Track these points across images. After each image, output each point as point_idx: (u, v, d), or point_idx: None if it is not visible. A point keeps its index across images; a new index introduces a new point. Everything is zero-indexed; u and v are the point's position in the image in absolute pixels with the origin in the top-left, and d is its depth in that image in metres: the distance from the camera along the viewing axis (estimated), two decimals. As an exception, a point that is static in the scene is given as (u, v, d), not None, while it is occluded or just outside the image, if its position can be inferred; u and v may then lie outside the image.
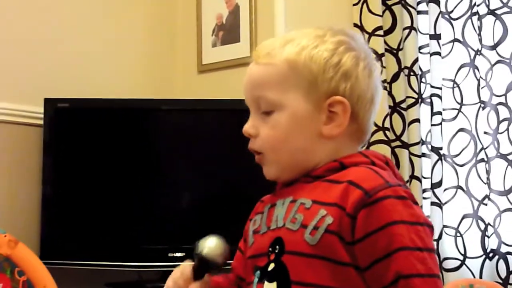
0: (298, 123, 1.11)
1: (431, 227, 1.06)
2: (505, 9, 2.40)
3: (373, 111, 1.16)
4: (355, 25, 2.61)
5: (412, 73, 2.53)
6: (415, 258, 0.99)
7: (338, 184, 1.06)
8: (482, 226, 2.36)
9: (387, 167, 1.12)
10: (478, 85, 2.41)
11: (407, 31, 2.55)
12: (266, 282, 1.08)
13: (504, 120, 2.38)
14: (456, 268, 2.37)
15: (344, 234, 1.02)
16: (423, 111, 2.55)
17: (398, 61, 2.57)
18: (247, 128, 1.15)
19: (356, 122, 1.13)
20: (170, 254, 2.64)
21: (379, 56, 2.50)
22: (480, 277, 2.34)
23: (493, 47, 2.41)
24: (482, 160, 2.38)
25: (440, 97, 2.49)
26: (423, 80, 2.56)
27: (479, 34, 2.41)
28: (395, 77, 2.56)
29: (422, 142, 2.53)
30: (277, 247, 1.08)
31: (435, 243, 2.32)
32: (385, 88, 2.46)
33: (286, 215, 1.10)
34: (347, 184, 1.05)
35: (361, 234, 1.01)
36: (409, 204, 1.04)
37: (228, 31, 3.13)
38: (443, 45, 2.49)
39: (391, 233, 1.00)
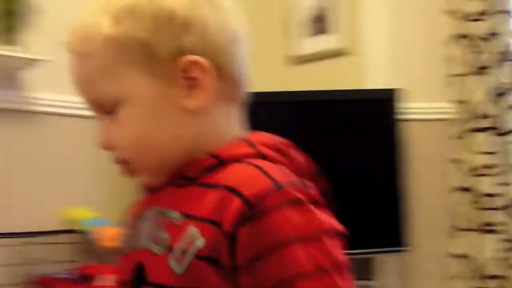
0: (151, 110, 0.83)
1: (340, 233, 0.79)
2: None
3: (240, 57, 0.89)
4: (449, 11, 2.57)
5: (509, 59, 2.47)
6: (320, 286, 0.74)
7: (213, 190, 0.79)
8: None
9: (281, 156, 0.84)
10: None
11: (503, 15, 2.48)
12: None
13: None
14: None
15: (221, 259, 0.76)
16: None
17: (493, 46, 2.50)
18: (101, 142, 0.88)
19: (225, 79, 0.86)
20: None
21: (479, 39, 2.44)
22: None
23: None
24: None
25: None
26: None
27: None
28: (492, 63, 2.50)
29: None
30: (138, 276, 0.83)
31: None
32: (480, 74, 2.40)
33: (151, 231, 0.84)
34: (224, 190, 0.78)
35: (244, 259, 0.74)
36: (306, 208, 0.77)
37: (321, 21, 3.09)
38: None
39: (284, 256, 0.73)
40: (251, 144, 0.84)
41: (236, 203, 0.75)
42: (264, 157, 0.82)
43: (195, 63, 0.82)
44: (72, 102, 2.73)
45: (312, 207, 0.77)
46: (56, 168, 2.70)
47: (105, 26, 0.83)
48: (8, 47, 2.45)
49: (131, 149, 0.85)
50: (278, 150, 0.84)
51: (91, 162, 2.80)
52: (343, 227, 0.80)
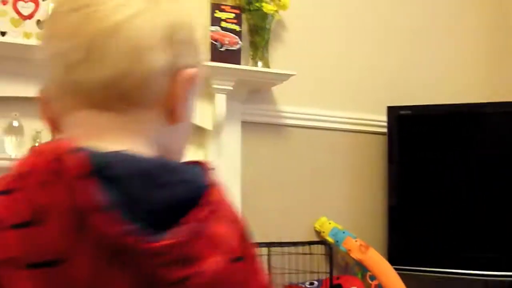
0: None
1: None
2: None
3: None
4: None
5: None
6: None
7: None
8: None
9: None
10: None
11: None
12: None
13: None
14: None
15: None
16: None
17: None
18: None
19: None
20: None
21: None
22: None
23: None
24: None
25: None
26: None
27: None
28: None
29: None
30: None
31: None
32: None
33: None
34: None
35: None
36: None
37: None
38: None
39: None
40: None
41: None
42: None
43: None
44: (317, 115, 2.78)
45: None
46: (303, 179, 2.75)
47: None
48: (256, 63, 2.56)
49: None
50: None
51: (336, 174, 2.82)
52: None
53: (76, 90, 0.71)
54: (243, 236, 0.74)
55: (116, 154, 0.67)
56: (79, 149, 0.65)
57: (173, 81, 0.74)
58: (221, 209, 0.72)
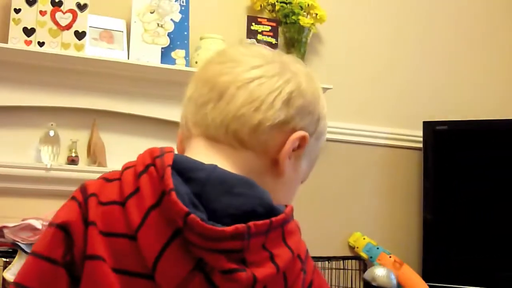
0: None
1: (57, 226, 0.81)
2: None
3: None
4: None
5: None
6: None
7: None
8: None
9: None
10: None
11: None
12: None
13: None
14: None
15: None
16: None
17: None
18: None
19: None
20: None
21: None
22: None
23: None
24: None
25: None
26: None
27: None
28: None
29: None
30: None
31: None
32: None
33: None
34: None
35: None
36: (63, 206, 0.85)
37: None
38: None
39: None
40: None
41: None
42: None
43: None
44: (353, 129, 2.76)
45: (70, 199, 0.85)
46: (338, 194, 2.73)
47: None
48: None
49: None
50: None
51: (371, 189, 2.79)
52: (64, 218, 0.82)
53: (202, 122, 0.88)
54: (306, 257, 0.88)
55: (202, 163, 0.82)
56: (171, 153, 0.82)
57: (284, 138, 0.87)
58: (291, 235, 0.83)
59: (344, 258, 2.45)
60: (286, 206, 0.84)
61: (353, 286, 2.43)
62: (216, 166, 0.82)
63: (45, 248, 0.80)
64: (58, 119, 2.25)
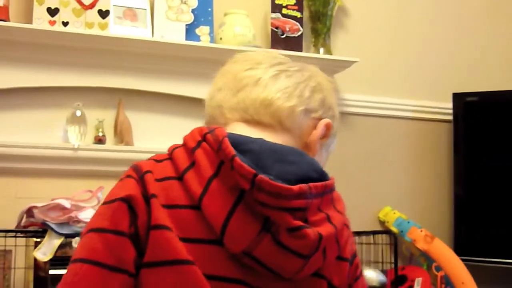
0: None
1: (121, 199, 0.84)
2: None
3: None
4: None
5: None
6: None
7: None
8: None
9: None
10: None
11: None
12: None
13: None
14: None
15: None
16: None
17: None
18: None
19: None
20: None
21: None
22: None
23: None
24: None
25: None
26: None
27: None
28: None
29: None
30: None
31: None
32: None
33: None
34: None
35: None
36: (118, 184, 0.88)
37: None
38: None
39: None
40: None
41: None
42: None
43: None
44: (381, 103, 2.72)
45: (125, 177, 0.87)
46: (367, 168, 2.70)
47: None
48: (318, 50, 2.52)
49: None
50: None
51: (401, 163, 2.76)
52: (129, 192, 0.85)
53: (241, 106, 0.95)
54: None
55: (251, 137, 0.87)
56: (221, 128, 0.87)
57: (314, 124, 0.96)
58: (338, 201, 0.91)
59: (374, 232, 2.43)
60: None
61: (384, 260, 2.41)
62: (264, 139, 0.88)
63: (109, 223, 0.82)
64: (84, 99, 2.25)
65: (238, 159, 0.81)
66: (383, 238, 2.45)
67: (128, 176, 0.86)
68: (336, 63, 2.51)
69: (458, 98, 2.70)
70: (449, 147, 2.76)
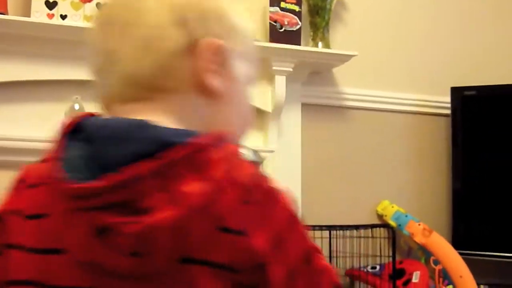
0: None
1: None
2: None
3: None
4: None
5: None
6: None
7: None
8: None
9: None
10: None
11: None
12: None
13: None
14: None
15: None
16: None
17: None
18: None
19: None
20: None
21: None
22: None
23: None
24: None
25: None
26: None
27: None
28: None
29: None
30: None
31: None
32: None
33: None
34: None
35: None
36: None
37: None
38: None
39: None
40: None
41: None
42: None
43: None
44: (379, 97, 2.72)
45: None
46: (365, 162, 2.71)
47: None
48: (316, 44, 2.51)
49: None
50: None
51: (399, 156, 2.77)
52: None
53: (106, 92, 0.81)
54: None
55: (104, 118, 0.75)
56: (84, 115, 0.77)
57: (194, 56, 0.75)
58: (219, 163, 0.68)
59: (372, 226, 2.43)
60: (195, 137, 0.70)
61: (382, 253, 2.42)
62: (120, 118, 0.74)
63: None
64: (83, 92, 2.24)
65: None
66: (381, 232, 2.46)
67: None
68: (334, 57, 2.51)
69: (456, 92, 2.70)
70: (447, 141, 2.76)
